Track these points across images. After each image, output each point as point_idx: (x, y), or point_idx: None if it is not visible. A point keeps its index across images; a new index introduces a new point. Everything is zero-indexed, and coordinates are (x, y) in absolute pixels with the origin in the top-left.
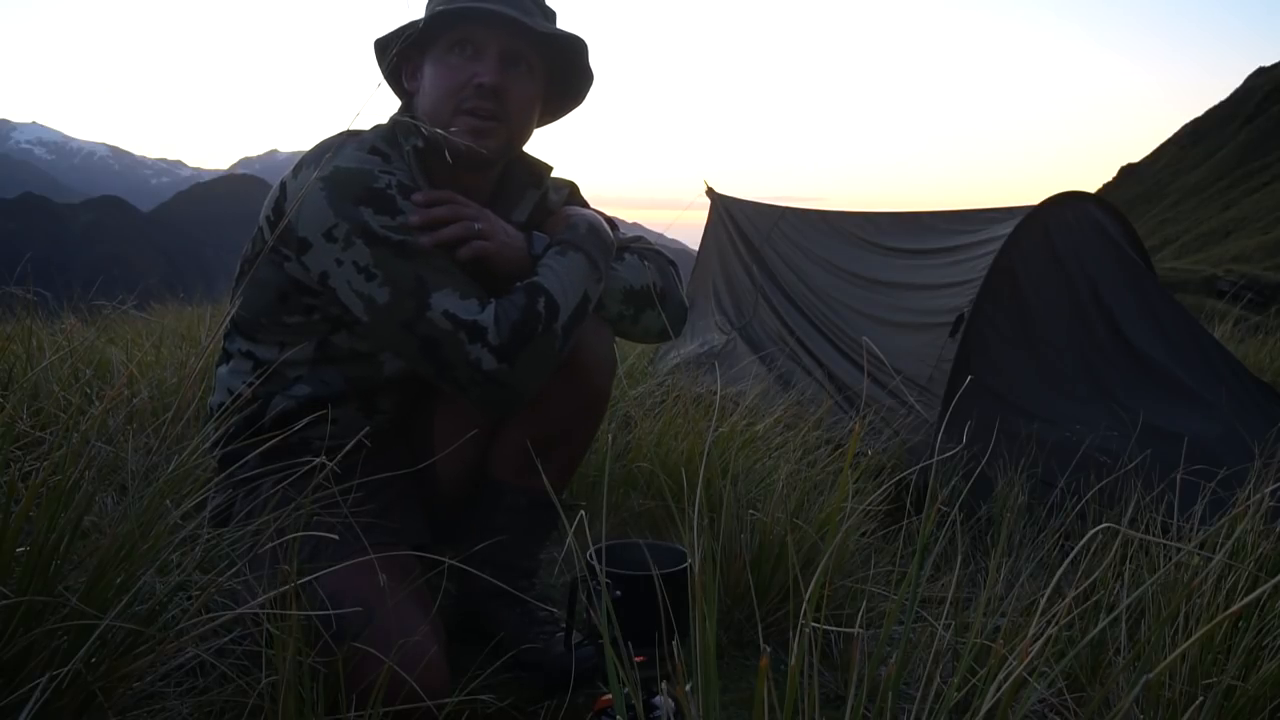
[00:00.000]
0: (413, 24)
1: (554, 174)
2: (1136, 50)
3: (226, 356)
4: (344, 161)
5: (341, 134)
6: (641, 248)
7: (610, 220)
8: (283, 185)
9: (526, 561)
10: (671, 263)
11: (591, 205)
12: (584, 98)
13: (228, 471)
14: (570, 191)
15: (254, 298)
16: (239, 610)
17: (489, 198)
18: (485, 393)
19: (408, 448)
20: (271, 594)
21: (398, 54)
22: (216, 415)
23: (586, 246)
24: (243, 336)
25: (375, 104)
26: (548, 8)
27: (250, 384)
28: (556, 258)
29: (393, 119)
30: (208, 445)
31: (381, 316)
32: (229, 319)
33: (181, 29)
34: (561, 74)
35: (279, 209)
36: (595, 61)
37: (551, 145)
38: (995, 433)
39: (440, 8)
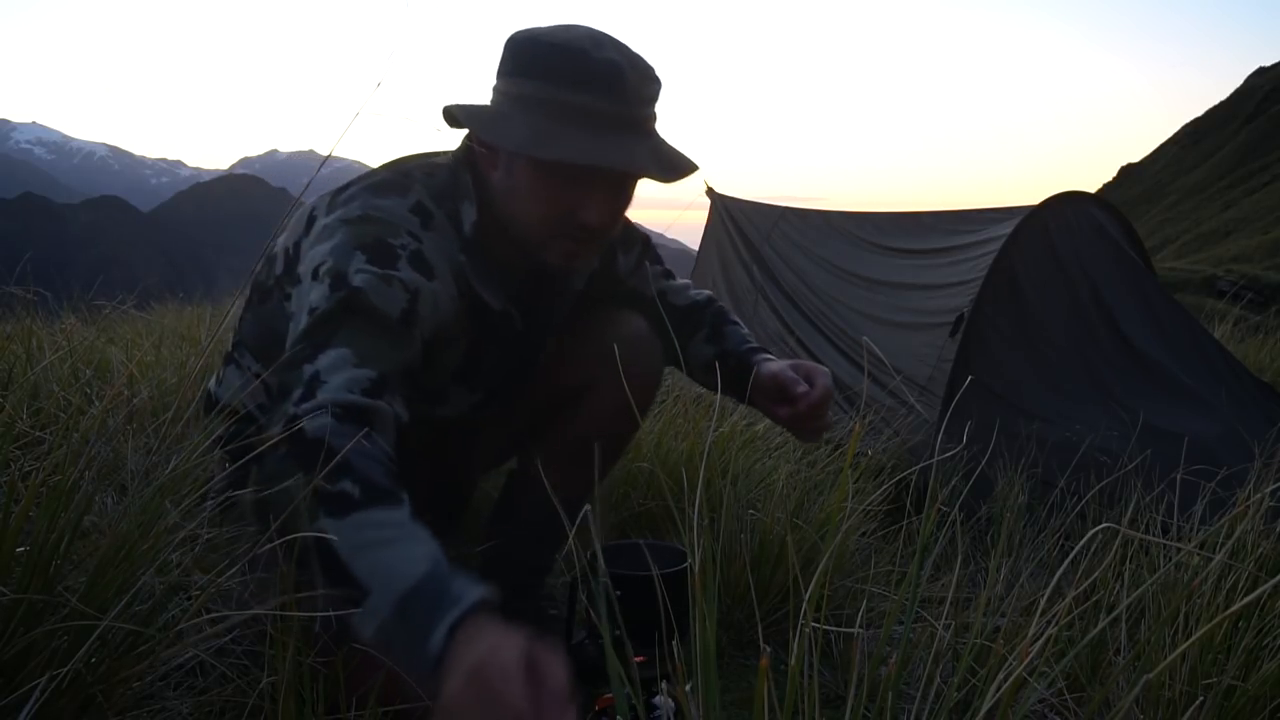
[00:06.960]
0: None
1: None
2: (1136, 50)
3: (233, 359)
4: (376, 210)
5: (401, 165)
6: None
7: (647, 238)
8: (312, 219)
9: (544, 559)
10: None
11: None
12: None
13: (231, 469)
14: (642, 249)
15: (262, 327)
16: (247, 613)
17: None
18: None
19: (440, 463)
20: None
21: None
22: (229, 422)
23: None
24: (251, 356)
25: (374, 105)
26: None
27: (261, 408)
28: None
29: (459, 168)
30: (209, 442)
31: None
32: (237, 336)
33: (181, 29)
34: None
35: (299, 245)
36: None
37: None
38: (995, 433)
39: (559, 148)
